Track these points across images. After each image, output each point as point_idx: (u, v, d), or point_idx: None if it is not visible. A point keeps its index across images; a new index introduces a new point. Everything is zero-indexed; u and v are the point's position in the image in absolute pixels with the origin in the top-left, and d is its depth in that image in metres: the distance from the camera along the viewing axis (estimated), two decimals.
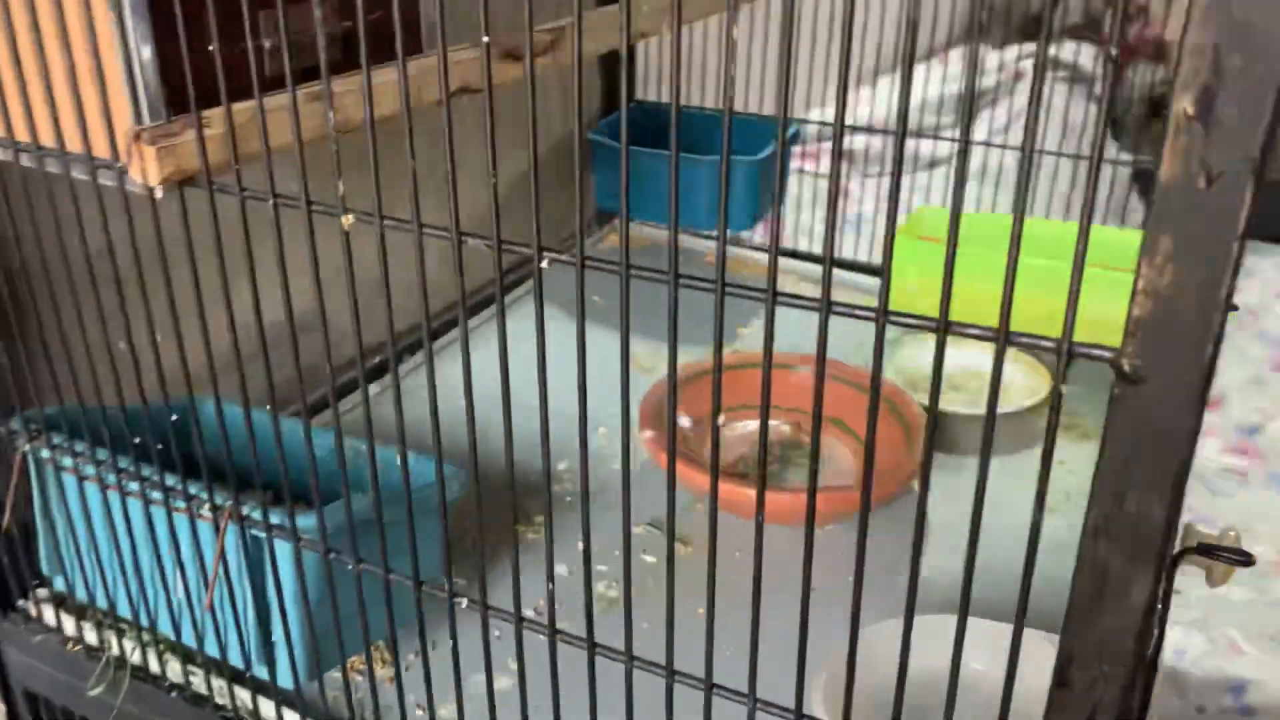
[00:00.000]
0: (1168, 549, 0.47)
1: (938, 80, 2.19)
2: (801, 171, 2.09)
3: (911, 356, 1.35)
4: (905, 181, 2.07)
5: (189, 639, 0.84)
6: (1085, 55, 2.28)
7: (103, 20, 0.65)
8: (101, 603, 0.88)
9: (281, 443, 0.69)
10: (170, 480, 0.77)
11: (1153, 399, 0.44)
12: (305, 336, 0.66)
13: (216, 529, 0.75)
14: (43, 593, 0.95)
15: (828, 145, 2.12)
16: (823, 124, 1.96)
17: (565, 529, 1.09)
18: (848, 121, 2.09)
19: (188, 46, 0.61)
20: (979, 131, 2.14)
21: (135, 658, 0.88)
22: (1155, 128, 2.36)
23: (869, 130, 2.11)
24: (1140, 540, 0.47)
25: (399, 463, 0.92)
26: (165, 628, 0.85)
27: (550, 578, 0.62)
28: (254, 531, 0.75)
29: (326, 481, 0.70)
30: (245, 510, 0.74)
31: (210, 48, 0.67)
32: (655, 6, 1.03)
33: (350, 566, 0.70)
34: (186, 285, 0.67)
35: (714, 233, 1.71)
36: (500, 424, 0.60)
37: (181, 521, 0.78)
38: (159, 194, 0.66)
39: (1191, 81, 0.40)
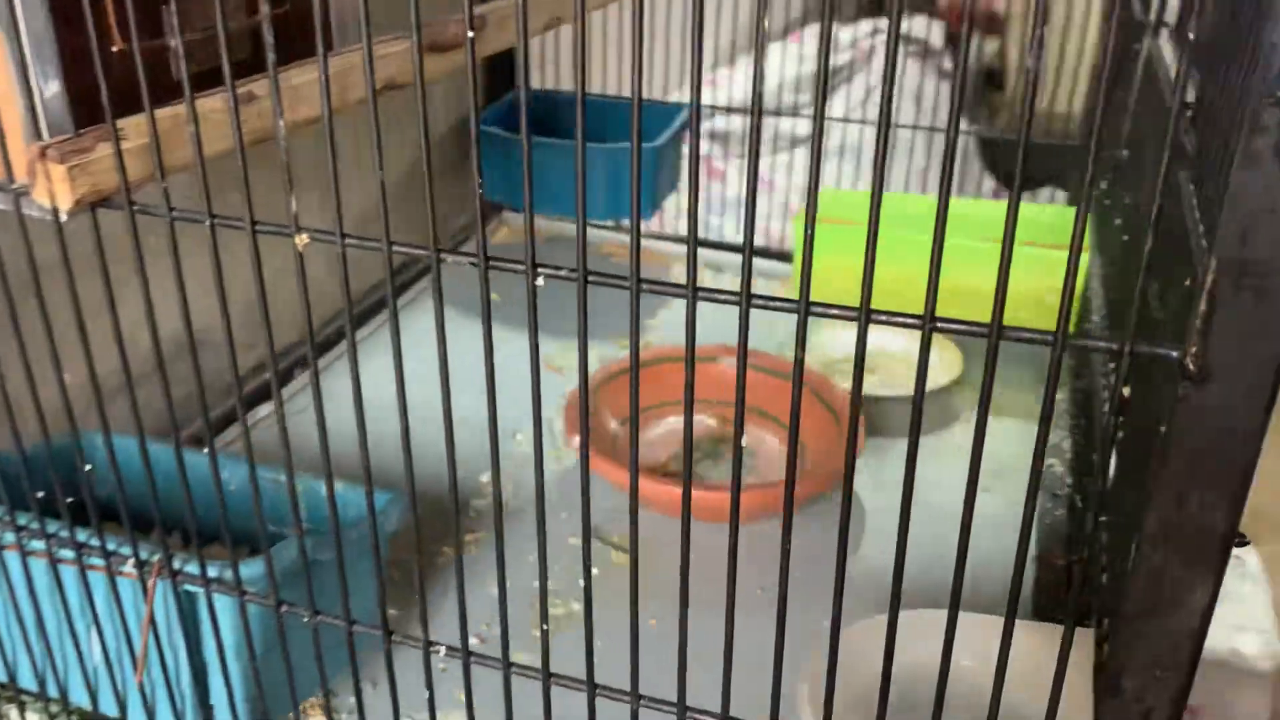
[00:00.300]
0: (1229, 551, 0.46)
1: (795, 59, 2.19)
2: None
3: (824, 340, 1.33)
4: (768, 161, 2.08)
5: (109, 707, 0.75)
6: (935, 32, 2.32)
7: None
8: None
9: (220, 481, 0.62)
10: (83, 535, 0.68)
11: (1218, 398, 0.43)
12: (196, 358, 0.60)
13: (144, 588, 0.67)
14: None
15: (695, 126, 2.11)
16: (679, 103, 1.94)
17: (490, 545, 1.03)
18: (709, 103, 2.09)
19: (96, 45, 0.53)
20: (836, 108, 2.16)
21: None
22: (992, 97, 2.44)
23: (729, 110, 2.11)
24: (1201, 543, 0.45)
25: (327, 494, 0.85)
26: (79, 697, 0.76)
27: (544, 618, 0.57)
28: (188, 586, 0.67)
29: (235, 521, 0.64)
30: (178, 564, 0.66)
31: (115, 48, 0.59)
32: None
33: (306, 619, 0.63)
34: (100, 308, 0.59)
35: (609, 223, 1.67)
36: (419, 439, 0.55)
37: (97, 579, 0.70)
38: (64, 218, 0.58)
39: (1273, 60, 0.38)
